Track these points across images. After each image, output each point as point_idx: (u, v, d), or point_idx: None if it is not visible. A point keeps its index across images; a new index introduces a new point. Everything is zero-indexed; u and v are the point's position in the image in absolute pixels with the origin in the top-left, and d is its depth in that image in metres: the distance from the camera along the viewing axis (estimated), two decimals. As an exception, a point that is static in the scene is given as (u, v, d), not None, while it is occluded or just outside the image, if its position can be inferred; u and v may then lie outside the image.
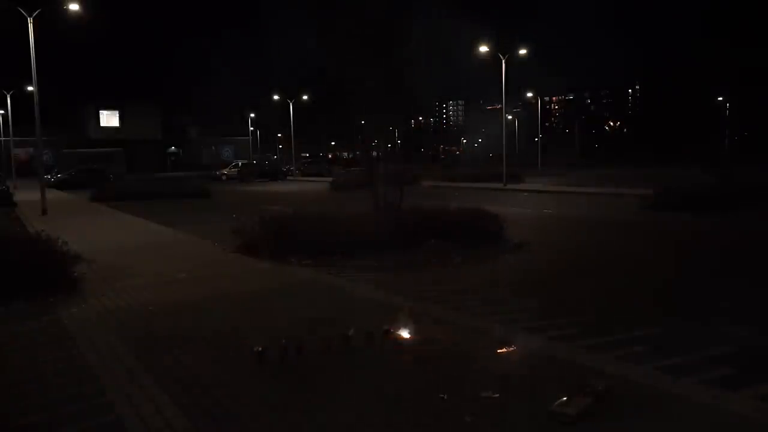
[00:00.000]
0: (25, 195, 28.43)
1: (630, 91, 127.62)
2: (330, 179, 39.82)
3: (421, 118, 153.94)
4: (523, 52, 36.65)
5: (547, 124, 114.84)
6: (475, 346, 5.68)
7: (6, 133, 51.24)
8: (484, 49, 34.83)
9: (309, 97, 59.14)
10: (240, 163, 55.36)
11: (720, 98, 78.96)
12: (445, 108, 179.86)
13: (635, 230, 15.48)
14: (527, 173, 39.73)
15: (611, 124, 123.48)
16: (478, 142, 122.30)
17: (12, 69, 41.46)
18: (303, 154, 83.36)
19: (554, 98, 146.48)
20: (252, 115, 77.41)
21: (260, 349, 5.33)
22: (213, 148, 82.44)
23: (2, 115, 52.15)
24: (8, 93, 45.56)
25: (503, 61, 34.53)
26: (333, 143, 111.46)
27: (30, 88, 24.27)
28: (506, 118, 39.29)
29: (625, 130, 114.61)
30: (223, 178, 51.52)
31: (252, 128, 79.65)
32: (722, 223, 16.19)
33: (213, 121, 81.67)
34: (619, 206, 21.08)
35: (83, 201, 28.24)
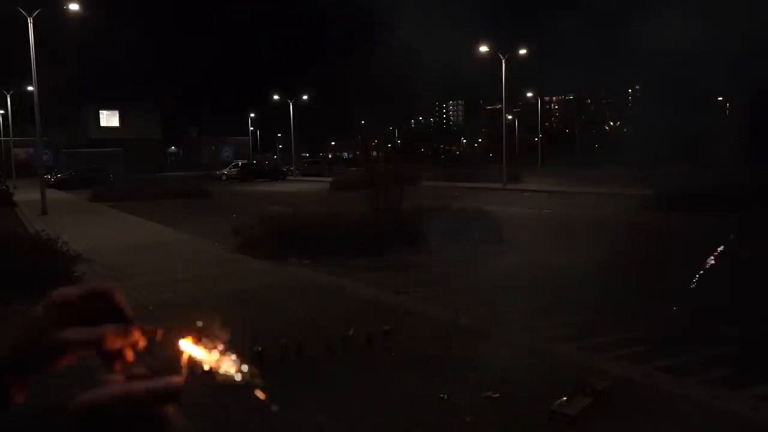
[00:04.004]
0: (25, 195, 28.43)
1: (630, 90, 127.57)
2: (330, 179, 39.81)
3: (421, 118, 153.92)
4: (523, 52, 36.67)
5: (547, 124, 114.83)
6: (475, 346, 5.68)
7: (6, 133, 51.25)
8: (484, 48, 34.85)
9: (309, 96, 59.27)
10: (240, 163, 55.33)
11: (720, 98, 78.94)
12: (445, 108, 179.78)
13: (636, 230, 15.46)
14: (527, 173, 39.73)
15: (611, 123, 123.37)
16: (478, 142, 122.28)
17: (12, 69, 41.48)
18: (303, 154, 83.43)
19: (554, 98, 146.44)
20: (252, 115, 77.50)
21: (260, 349, 5.33)
22: (213, 148, 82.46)
23: (2, 115, 52.16)
24: (8, 93, 45.57)
25: (503, 61, 34.54)
26: (333, 143, 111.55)
27: (30, 88, 24.26)
28: (506, 118, 39.29)
29: (625, 130, 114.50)
30: (223, 178, 51.49)
31: (252, 128, 79.69)
32: (723, 222, 16.18)
33: (213, 121, 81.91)
34: (619, 206, 21.07)
35: (83, 201, 28.24)
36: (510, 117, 69.82)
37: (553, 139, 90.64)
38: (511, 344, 5.71)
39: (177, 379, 0.67)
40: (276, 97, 65.93)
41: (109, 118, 75.72)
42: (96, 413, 0.63)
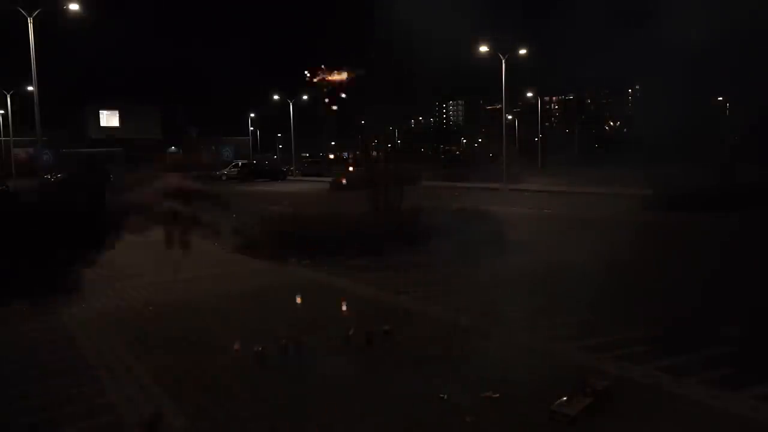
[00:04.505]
0: (25, 195, 28.40)
1: (630, 90, 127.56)
2: (330, 179, 39.78)
3: (421, 118, 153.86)
4: (523, 52, 36.68)
5: (547, 124, 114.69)
6: (475, 346, 5.68)
7: (6, 133, 51.26)
8: (484, 48, 34.85)
9: (309, 96, 59.27)
10: (240, 163, 55.31)
11: (720, 98, 78.86)
12: (445, 108, 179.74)
13: (636, 230, 15.46)
14: (527, 173, 39.70)
15: (611, 124, 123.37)
16: (478, 142, 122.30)
17: (12, 69, 41.46)
18: (303, 154, 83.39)
19: (554, 98, 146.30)
20: (252, 115, 77.49)
21: (260, 349, 5.34)
22: (213, 148, 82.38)
23: (2, 115, 52.16)
24: (8, 93, 45.57)
25: (503, 61, 34.53)
26: (333, 143, 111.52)
27: (30, 88, 24.27)
28: (506, 118, 39.30)
29: (625, 130, 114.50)
30: (223, 178, 51.49)
31: (252, 128, 79.68)
32: (724, 222, 16.18)
33: (213, 121, 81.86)
34: (619, 206, 21.06)
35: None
36: (510, 117, 69.80)
37: (554, 139, 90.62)
38: (511, 344, 5.71)
39: None
40: (276, 97, 65.93)
41: (109, 118, 75.74)
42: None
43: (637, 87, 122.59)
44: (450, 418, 4.14)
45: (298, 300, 7.73)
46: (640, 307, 7.53)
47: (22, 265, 1.08)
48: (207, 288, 8.54)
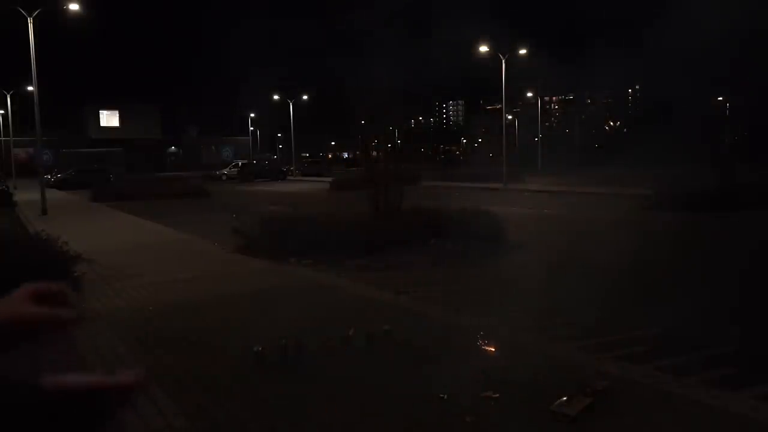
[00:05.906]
0: (25, 195, 28.41)
1: (630, 90, 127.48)
2: (330, 179, 39.78)
3: (421, 118, 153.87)
4: (523, 51, 36.70)
5: (547, 124, 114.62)
6: (475, 346, 5.68)
7: (6, 133, 51.26)
8: (484, 48, 34.86)
9: (309, 96, 59.28)
10: (240, 163, 55.32)
11: (720, 98, 78.83)
12: (445, 108, 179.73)
13: (636, 230, 15.46)
14: (527, 173, 39.70)
15: (611, 123, 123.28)
16: (478, 142, 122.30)
17: (12, 69, 41.44)
18: (303, 154, 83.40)
19: (554, 98, 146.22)
20: (252, 115, 77.46)
21: (260, 349, 5.33)
22: (213, 148, 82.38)
23: (2, 115, 52.17)
24: (8, 93, 45.55)
25: (503, 61, 34.53)
26: (333, 143, 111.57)
27: (30, 88, 24.26)
28: (506, 118, 39.29)
29: (625, 130, 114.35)
30: (223, 178, 51.48)
31: (252, 128, 79.66)
32: (725, 223, 16.18)
33: (213, 121, 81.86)
34: (619, 206, 21.06)
35: (83, 201, 28.24)
36: (510, 117, 69.82)
37: (554, 139, 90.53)
38: (511, 344, 5.71)
39: (140, 374, 0.69)
40: (276, 97, 65.93)
41: (109, 118, 75.74)
42: (61, 398, 0.65)
43: (637, 87, 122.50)
44: (450, 418, 4.14)
45: (298, 300, 7.73)
46: (640, 307, 7.53)
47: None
48: (207, 288, 8.53)
